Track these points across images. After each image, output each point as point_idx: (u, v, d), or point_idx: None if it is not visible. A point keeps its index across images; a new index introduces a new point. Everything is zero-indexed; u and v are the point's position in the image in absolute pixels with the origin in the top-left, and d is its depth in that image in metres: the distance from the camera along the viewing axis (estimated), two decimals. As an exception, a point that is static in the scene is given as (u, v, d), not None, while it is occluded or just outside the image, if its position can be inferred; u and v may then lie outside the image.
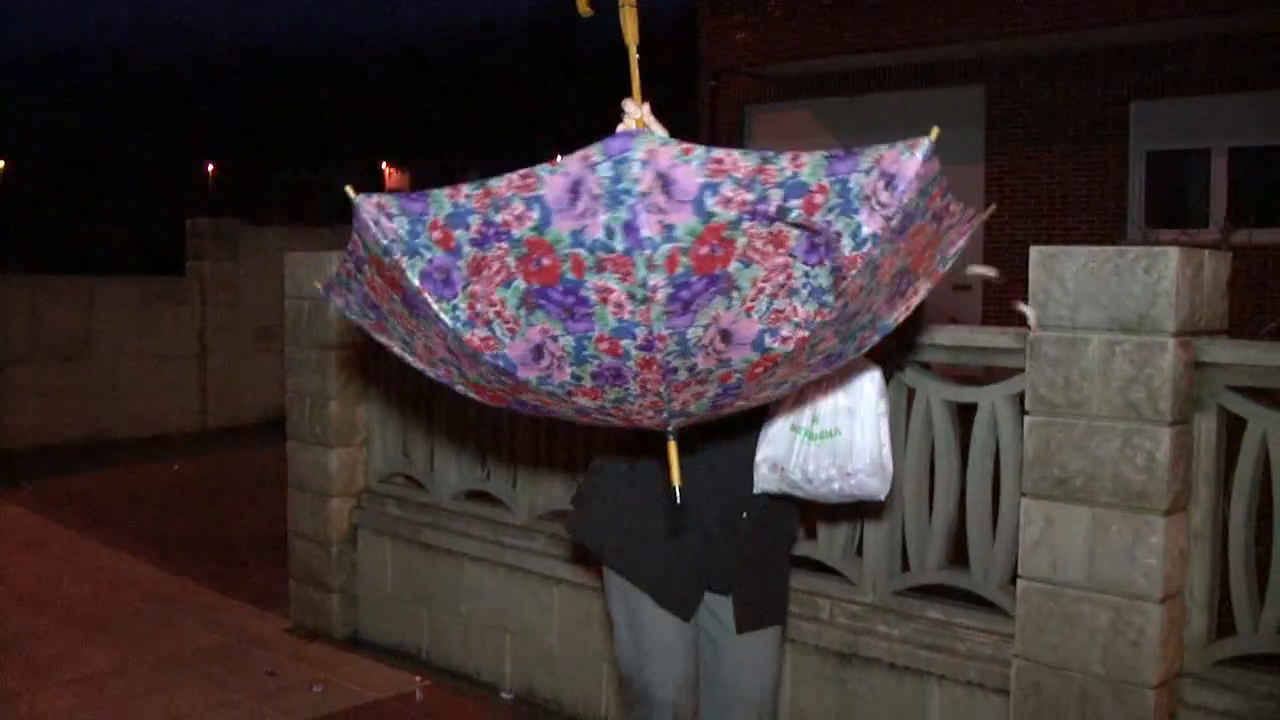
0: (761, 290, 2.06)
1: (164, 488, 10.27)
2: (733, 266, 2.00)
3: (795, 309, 2.10)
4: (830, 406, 2.85)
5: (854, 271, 2.01)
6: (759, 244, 1.98)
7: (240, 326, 13.83)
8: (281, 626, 5.95)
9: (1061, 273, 3.32)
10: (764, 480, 2.93)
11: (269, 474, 7.66)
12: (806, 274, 2.06)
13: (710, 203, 1.88)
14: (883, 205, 1.96)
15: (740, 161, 1.85)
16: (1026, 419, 3.43)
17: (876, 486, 2.86)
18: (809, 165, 1.89)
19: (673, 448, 2.33)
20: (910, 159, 1.95)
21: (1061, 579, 3.34)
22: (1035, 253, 3.41)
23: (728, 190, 1.87)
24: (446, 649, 5.43)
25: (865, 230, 1.98)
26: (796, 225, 1.96)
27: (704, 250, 1.94)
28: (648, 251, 1.91)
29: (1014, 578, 3.53)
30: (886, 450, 2.84)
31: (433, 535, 5.42)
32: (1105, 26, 12.28)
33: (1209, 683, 3.30)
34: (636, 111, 2.52)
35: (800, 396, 2.84)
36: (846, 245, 2.00)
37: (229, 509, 9.16)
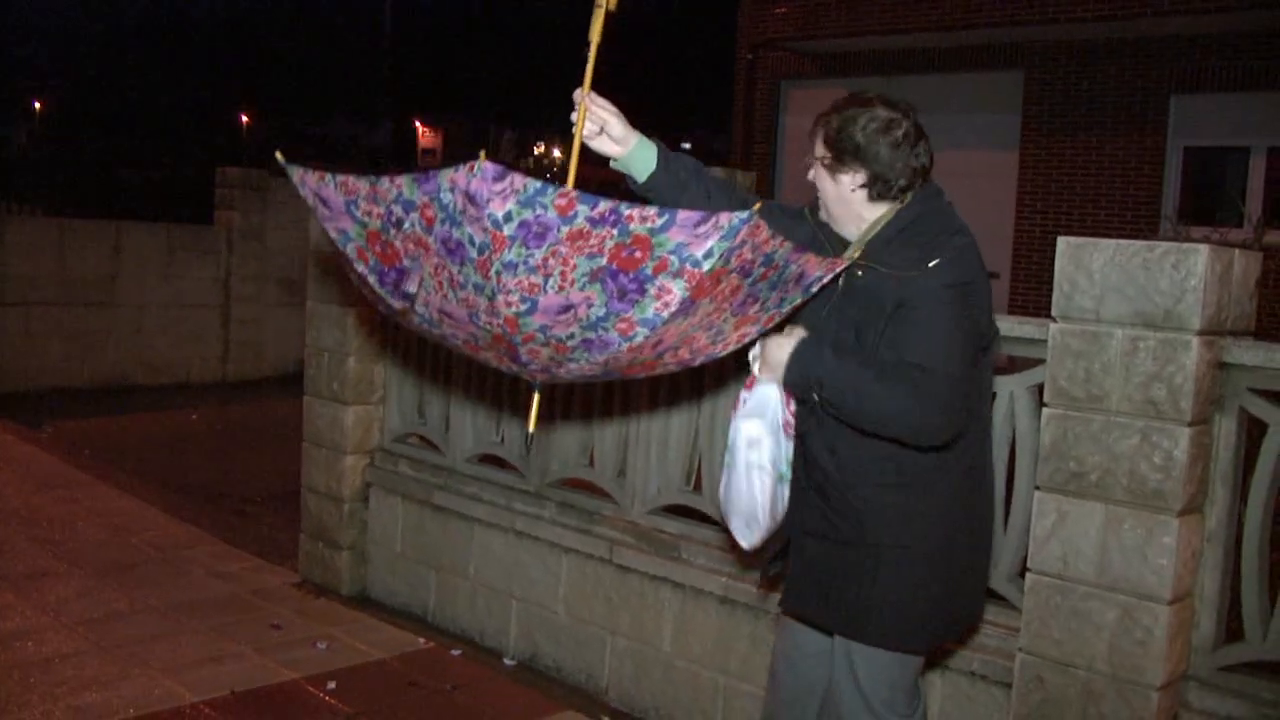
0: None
1: (182, 435, 10.33)
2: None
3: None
4: (739, 433, 3.05)
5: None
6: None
7: (266, 278, 13.85)
8: (290, 580, 5.97)
9: (1089, 264, 3.28)
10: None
11: (286, 427, 7.68)
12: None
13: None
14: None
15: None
16: (1044, 411, 3.39)
17: (738, 529, 3.08)
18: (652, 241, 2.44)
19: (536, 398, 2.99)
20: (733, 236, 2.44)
21: (1071, 574, 3.30)
22: (1063, 242, 3.36)
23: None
24: (452, 612, 5.43)
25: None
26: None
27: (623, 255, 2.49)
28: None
29: (1023, 570, 3.50)
30: (761, 507, 3.00)
31: (444, 497, 5.42)
32: (1150, 16, 12.12)
33: (1214, 687, 3.27)
34: (580, 99, 2.92)
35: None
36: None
37: (245, 460, 9.20)
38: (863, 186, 2.92)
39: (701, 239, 2.41)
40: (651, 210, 2.38)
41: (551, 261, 2.43)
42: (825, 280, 2.82)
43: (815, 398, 2.85)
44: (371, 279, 2.81)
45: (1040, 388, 3.50)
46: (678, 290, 2.48)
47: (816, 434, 3.00)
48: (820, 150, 2.96)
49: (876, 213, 2.96)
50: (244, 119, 49.52)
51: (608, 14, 2.95)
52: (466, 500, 5.33)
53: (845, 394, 2.79)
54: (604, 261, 2.44)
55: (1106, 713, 3.23)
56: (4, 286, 11.97)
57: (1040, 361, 3.52)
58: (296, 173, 2.74)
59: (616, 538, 4.73)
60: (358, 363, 5.71)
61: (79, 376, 12.42)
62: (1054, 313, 3.35)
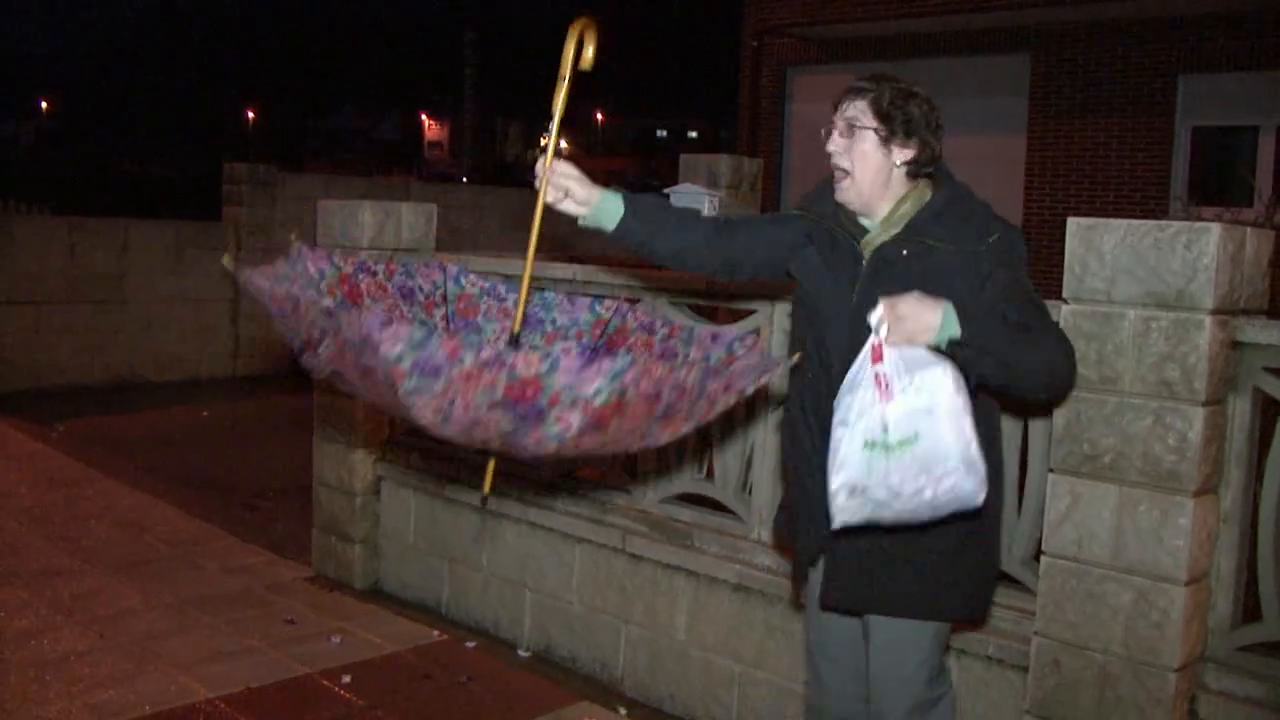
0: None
1: (193, 432, 10.35)
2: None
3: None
4: (903, 411, 2.66)
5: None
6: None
7: (274, 274, 13.84)
8: (303, 575, 5.97)
9: (1100, 245, 3.25)
10: (843, 511, 2.72)
11: (297, 422, 7.69)
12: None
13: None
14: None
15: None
16: (1057, 393, 3.37)
17: (971, 489, 2.67)
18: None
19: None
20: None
21: (1086, 557, 3.29)
22: (1073, 223, 3.34)
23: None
24: (466, 603, 5.43)
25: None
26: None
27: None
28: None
29: (1038, 553, 3.48)
30: (974, 447, 2.67)
31: (456, 490, 5.42)
32: (1156, -4, 12.08)
33: (1231, 668, 3.25)
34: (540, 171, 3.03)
35: (863, 409, 2.70)
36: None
37: (256, 455, 9.21)
38: (910, 162, 2.94)
39: (588, 381, 2.50)
40: (535, 356, 2.51)
41: (450, 390, 2.54)
42: (764, 380, 2.87)
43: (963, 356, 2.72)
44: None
45: (1052, 370, 3.48)
46: (576, 419, 2.56)
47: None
48: (871, 121, 2.92)
49: (906, 190, 2.97)
50: (250, 114, 49.58)
51: (572, 79, 3.06)
52: (478, 491, 5.32)
53: (992, 351, 2.69)
54: (499, 395, 2.53)
55: (1123, 695, 3.21)
56: (13, 285, 12.00)
57: (1052, 344, 3.51)
58: (244, 274, 3.07)
59: (629, 527, 4.72)
60: (367, 356, 5.70)
61: (89, 374, 12.45)
62: (1065, 294, 3.33)
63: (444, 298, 3.50)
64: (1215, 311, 3.09)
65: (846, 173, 2.97)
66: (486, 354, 2.51)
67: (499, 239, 15.56)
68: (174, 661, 4.78)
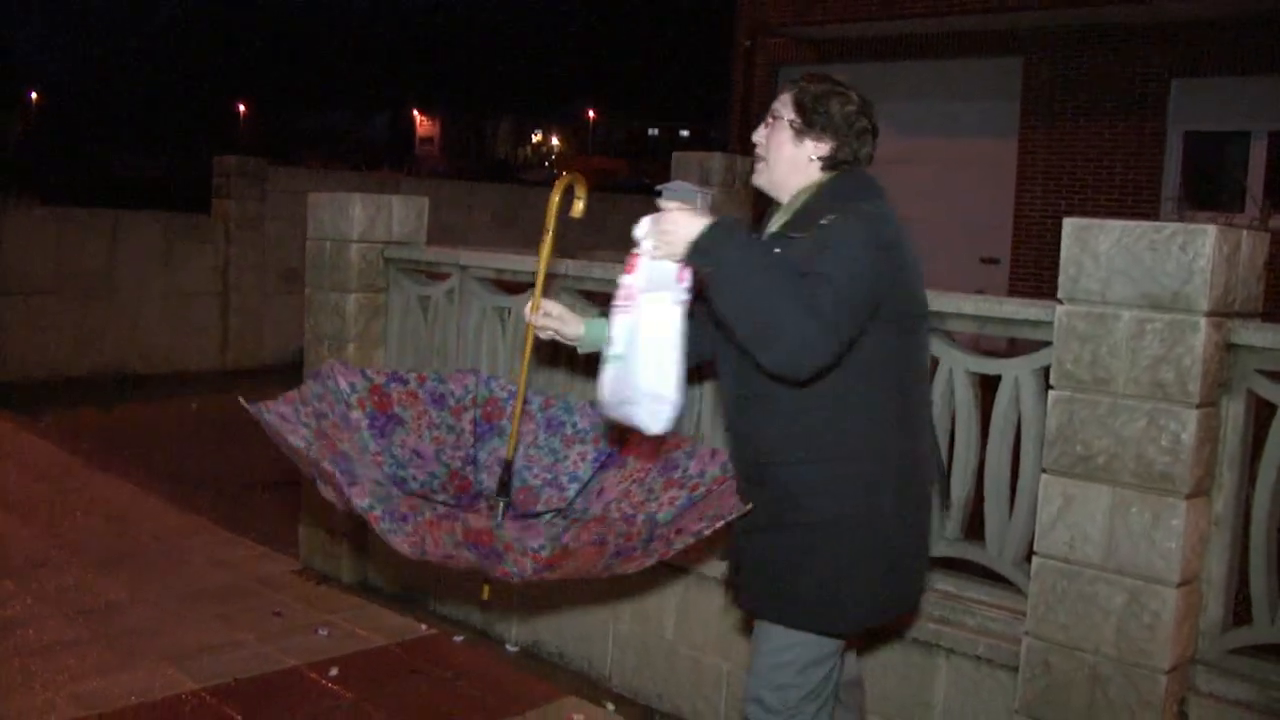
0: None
1: (181, 424, 10.33)
2: None
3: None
4: (621, 327, 2.82)
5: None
6: None
7: (265, 267, 13.84)
8: (291, 568, 5.96)
9: (1095, 246, 3.25)
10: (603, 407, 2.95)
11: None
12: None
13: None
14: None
15: None
16: (1050, 394, 3.37)
17: (643, 418, 2.78)
18: None
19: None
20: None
21: (1078, 558, 3.29)
22: (1069, 224, 3.33)
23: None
24: (453, 598, 5.41)
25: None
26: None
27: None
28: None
29: (1029, 554, 3.48)
30: (667, 383, 2.74)
31: (445, 484, 5.40)
32: (1149, 1, 12.08)
33: (1222, 670, 3.25)
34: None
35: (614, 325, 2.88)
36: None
37: (244, 448, 9.15)
38: (824, 157, 2.96)
39: (532, 537, 2.80)
40: (484, 511, 3.05)
41: (419, 532, 2.91)
42: (719, 525, 3.01)
43: (705, 273, 2.70)
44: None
45: (1046, 371, 3.48)
46: (528, 564, 2.83)
47: (747, 416, 2.97)
48: (789, 113, 2.98)
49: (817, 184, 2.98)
50: (241, 109, 49.45)
51: (556, 231, 3.29)
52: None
53: (736, 279, 2.63)
54: (459, 538, 2.85)
55: (1114, 697, 3.21)
56: (3, 277, 11.95)
57: (1045, 344, 3.51)
58: (262, 411, 3.33)
59: (619, 524, 4.71)
60: (358, 349, 5.68)
61: (78, 366, 12.41)
62: (1060, 295, 3.33)
63: (474, 401, 3.79)
64: (1210, 313, 3.09)
65: (763, 159, 3.04)
66: (441, 510, 2.99)
67: (489, 235, 15.56)
68: (161, 653, 4.76)
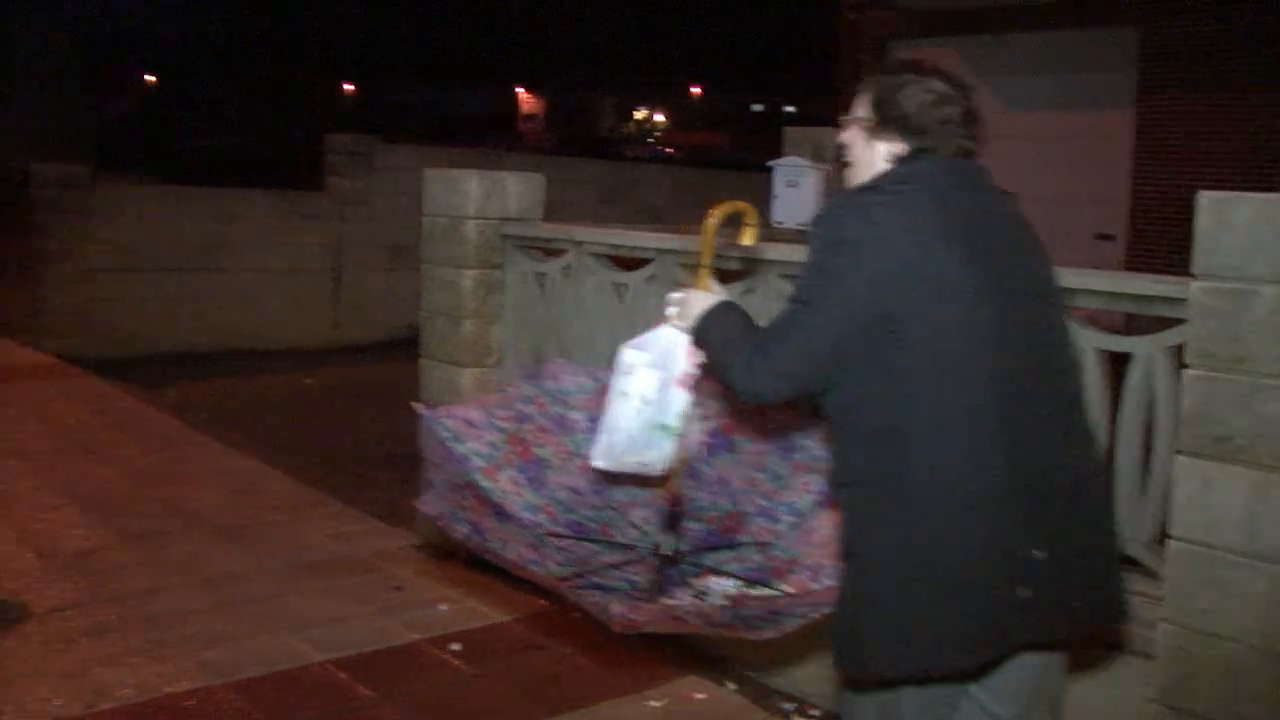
0: None
1: (296, 399, 10.51)
2: None
3: None
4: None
5: None
6: None
7: (373, 243, 14.02)
8: (409, 542, 6.01)
9: (1232, 220, 3.15)
10: None
11: (400, 390, 7.75)
12: None
13: None
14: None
15: None
16: (1185, 373, 3.27)
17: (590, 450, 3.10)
18: None
19: None
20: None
21: (1216, 542, 3.19)
22: (1205, 197, 3.24)
23: None
24: (569, 574, 5.43)
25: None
26: None
27: None
28: None
29: (1161, 537, 3.40)
30: (604, 431, 3.03)
31: (560, 460, 5.41)
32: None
33: (1369, 659, 3.15)
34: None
35: None
36: None
37: (359, 423, 9.33)
38: (899, 158, 2.66)
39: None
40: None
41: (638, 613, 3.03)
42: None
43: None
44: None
45: (1179, 349, 3.38)
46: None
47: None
48: (864, 111, 2.72)
49: None
50: (347, 87, 50.06)
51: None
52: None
53: (705, 347, 2.83)
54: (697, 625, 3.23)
55: (1261, 688, 3.12)
56: (123, 255, 12.26)
57: (1177, 322, 3.41)
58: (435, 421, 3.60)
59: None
60: (474, 325, 5.72)
61: (192, 342, 12.69)
62: (1194, 270, 3.23)
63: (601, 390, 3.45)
64: (1358, 290, 2.98)
65: (848, 163, 2.82)
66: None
67: (593, 211, 15.58)
68: (284, 624, 4.85)
